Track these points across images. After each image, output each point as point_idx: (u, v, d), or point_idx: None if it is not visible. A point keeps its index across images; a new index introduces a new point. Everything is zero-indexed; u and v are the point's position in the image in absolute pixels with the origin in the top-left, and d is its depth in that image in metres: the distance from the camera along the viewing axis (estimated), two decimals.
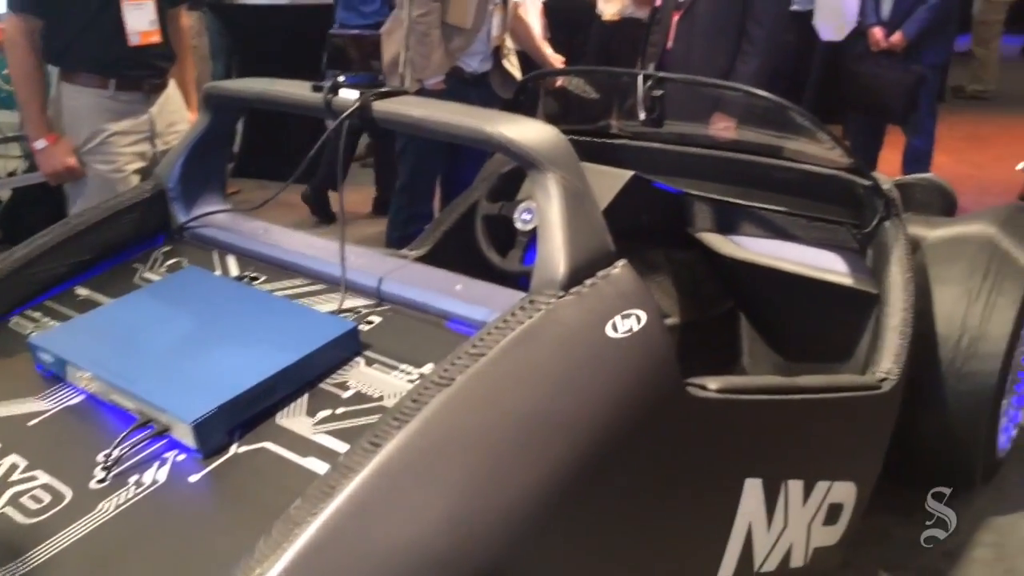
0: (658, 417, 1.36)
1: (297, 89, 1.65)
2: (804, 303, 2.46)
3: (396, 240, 3.48)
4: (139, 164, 2.77)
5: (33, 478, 1.23)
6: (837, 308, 2.33)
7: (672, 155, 2.59)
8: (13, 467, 1.25)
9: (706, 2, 3.31)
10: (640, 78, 2.46)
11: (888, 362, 1.96)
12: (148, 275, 1.67)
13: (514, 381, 1.22)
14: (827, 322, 2.39)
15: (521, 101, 2.64)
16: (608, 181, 2.25)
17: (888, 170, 4.74)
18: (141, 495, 1.17)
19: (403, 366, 1.34)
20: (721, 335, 2.79)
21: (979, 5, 8.15)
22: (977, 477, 2.41)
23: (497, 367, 1.21)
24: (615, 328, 1.32)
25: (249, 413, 1.25)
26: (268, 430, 1.25)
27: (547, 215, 1.35)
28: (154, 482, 1.19)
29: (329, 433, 1.23)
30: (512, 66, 3.58)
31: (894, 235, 2.19)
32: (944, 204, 2.74)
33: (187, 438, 1.22)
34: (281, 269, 1.63)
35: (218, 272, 1.65)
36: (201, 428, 1.20)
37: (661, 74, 2.48)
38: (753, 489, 1.60)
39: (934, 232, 2.44)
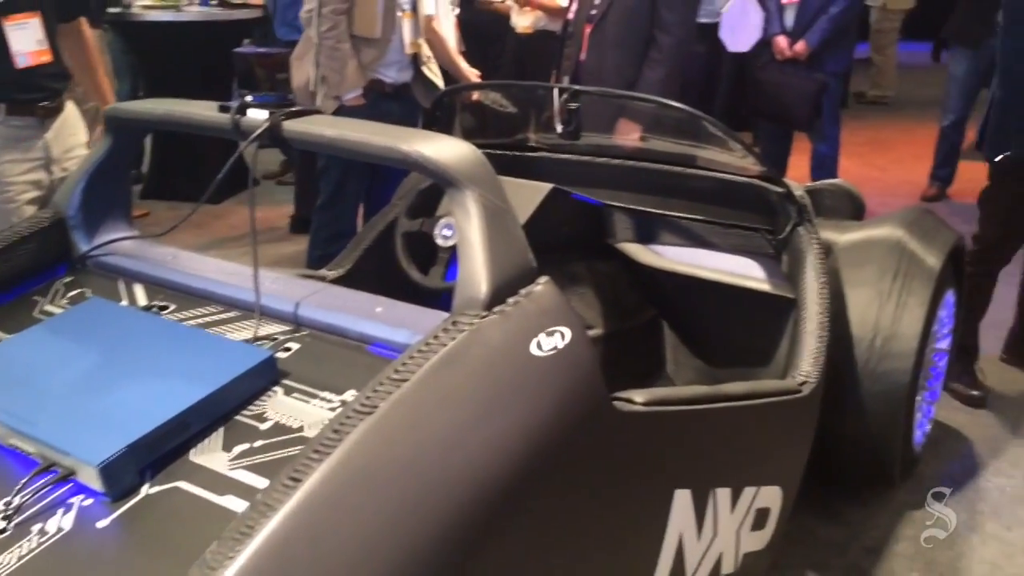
0: (586, 434, 1.34)
1: (203, 110, 1.59)
2: (724, 309, 2.50)
3: (317, 259, 3.41)
4: (34, 193, 2.62)
5: None
6: (756, 313, 2.36)
7: (590, 166, 2.60)
8: None
9: (616, 14, 3.35)
10: (556, 91, 2.46)
11: (807, 365, 1.99)
12: (49, 308, 1.59)
13: (439, 405, 1.19)
14: (747, 327, 2.43)
15: (438, 117, 2.61)
16: (528, 195, 2.24)
17: (797, 176, 4.88)
18: (46, 544, 1.10)
19: (323, 394, 1.30)
20: (645, 344, 2.81)
21: (875, 14, 8.48)
22: (896, 473, 2.47)
23: (421, 392, 1.18)
24: (540, 346, 1.30)
25: (160, 451, 1.19)
26: (181, 468, 1.18)
27: (467, 234, 1.33)
28: (59, 530, 1.11)
29: (247, 468, 1.17)
30: (433, 74, 3.56)
31: (807, 240, 2.24)
32: (853, 208, 2.82)
33: (93, 481, 1.15)
34: (192, 297, 1.56)
35: (124, 302, 1.57)
36: (108, 470, 1.13)
37: (575, 87, 2.49)
38: (682, 500, 1.60)
39: (845, 236, 2.50)
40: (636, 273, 2.69)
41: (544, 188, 2.27)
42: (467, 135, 2.99)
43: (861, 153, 6.62)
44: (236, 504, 1.11)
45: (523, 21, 4.93)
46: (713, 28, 5.15)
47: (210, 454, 1.20)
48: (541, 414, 1.27)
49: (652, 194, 2.53)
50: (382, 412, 1.14)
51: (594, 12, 3.41)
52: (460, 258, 1.34)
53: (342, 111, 3.32)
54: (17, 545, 1.10)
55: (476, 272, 1.31)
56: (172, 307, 1.54)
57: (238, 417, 1.26)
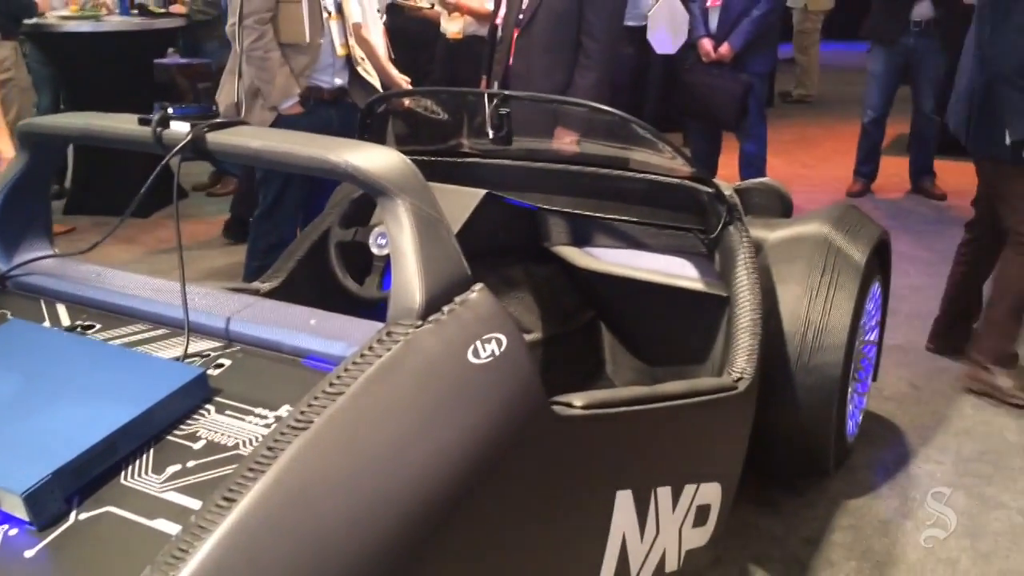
0: (526, 439, 1.34)
1: (123, 123, 1.54)
2: (660, 309, 2.53)
3: (255, 270, 3.36)
4: None
5: None
6: (691, 312, 2.40)
7: (524, 171, 2.61)
8: None
9: (543, 19, 3.38)
10: (486, 97, 2.46)
11: (742, 362, 2.03)
12: None
13: (376, 418, 1.18)
14: (683, 326, 2.46)
15: (369, 124, 2.59)
16: (462, 200, 2.24)
17: (726, 175, 4.97)
18: None
19: (258, 410, 1.27)
20: (584, 346, 2.83)
21: (797, 16, 8.70)
22: (831, 464, 2.53)
23: (357, 405, 1.17)
24: (477, 354, 1.30)
25: (88, 476, 1.15)
26: (111, 492, 1.15)
27: (399, 243, 1.32)
28: None
29: (180, 490, 1.14)
30: (369, 75, 3.53)
31: (738, 239, 2.28)
32: (781, 206, 2.88)
33: (18, 510, 1.10)
34: (118, 315, 1.52)
35: (46, 323, 1.52)
36: (33, 498, 1.09)
37: (506, 92, 2.50)
38: (624, 500, 1.61)
39: (774, 233, 2.56)
40: (573, 276, 2.70)
41: (478, 194, 2.27)
42: (400, 142, 2.98)
43: (788, 151, 6.78)
44: (169, 527, 1.08)
45: (452, 27, 4.92)
46: (641, 31, 5.22)
47: (141, 476, 1.17)
48: (480, 422, 1.27)
49: (586, 197, 2.55)
50: (317, 427, 1.12)
51: (521, 17, 3.42)
52: (393, 268, 1.32)
53: (280, 121, 3.28)
54: None
55: (410, 281, 1.30)
56: (97, 326, 1.50)
57: (169, 437, 1.23)
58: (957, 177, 5.79)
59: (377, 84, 3.56)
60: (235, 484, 1.05)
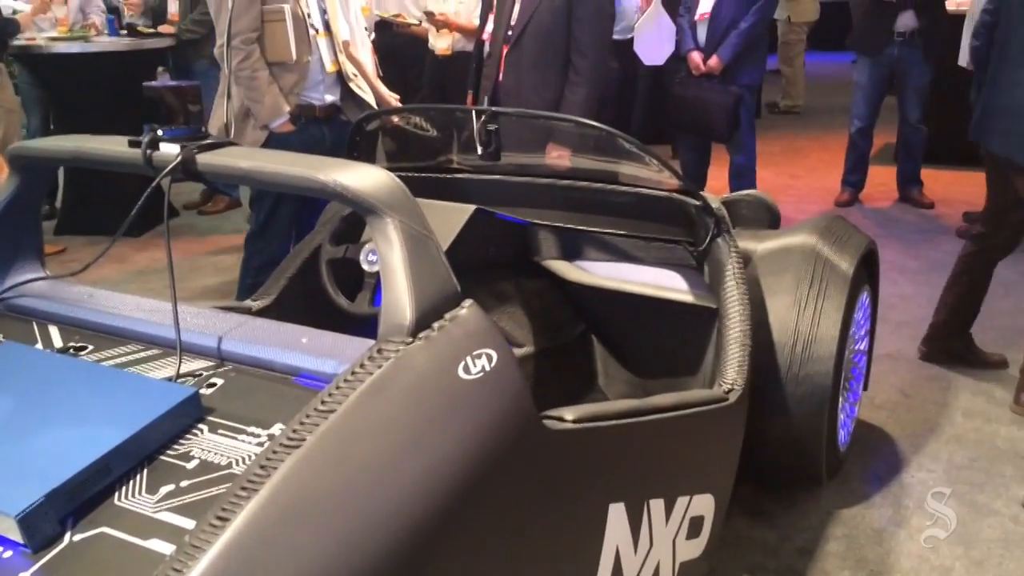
0: (518, 454, 1.35)
1: (113, 146, 1.55)
2: (650, 322, 2.54)
3: (248, 288, 3.36)
4: None
5: None
6: (681, 324, 2.41)
7: (514, 186, 2.63)
8: None
9: (532, 35, 3.40)
10: (474, 113, 2.48)
11: (732, 373, 2.04)
12: None
13: (369, 433, 1.19)
14: (673, 338, 2.47)
15: (358, 142, 2.61)
16: (452, 216, 2.25)
17: (717, 187, 5.01)
18: None
19: (250, 429, 1.28)
20: (576, 359, 2.84)
21: (782, 27, 8.78)
22: (823, 474, 2.54)
23: (349, 422, 1.17)
24: (467, 370, 1.31)
25: (82, 498, 1.16)
26: (105, 513, 1.15)
27: (389, 261, 1.33)
28: None
29: (173, 510, 1.15)
30: (362, 90, 3.55)
31: (726, 251, 2.29)
32: (769, 217, 2.90)
33: (13, 532, 1.11)
34: (110, 336, 1.53)
35: (39, 345, 1.53)
36: (28, 521, 1.09)
37: (494, 108, 2.51)
38: (617, 514, 1.62)
39: (762, 245, 2.57)
40: (564, 290, 2.72)
41: (468, 209, 2.28)
42: (390, 159, 2.99)
43: (777, 162, 6.83)
44: (163, 547, 1.08)
45: (441, 43, 4.95)
46: (627, 44, 5.26)
47: (135, 497, 1.17)
48: (472, 437, 1.28)
49: (575, 211, 2.57)
50: (310, 445, 1.13)
51: (510, 33, 3.45)
52: (383, 285, 1.33)
53: (272, 140, 3.29)
54: None
55: (400, 299, 1.31)
56: (90, 348, 1.50)
57: (163, 457, 1.24)
58: (944, 185, 5.85)
59: (371, 99, 3.57)
60: (228, 503, 1.05)
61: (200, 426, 1.29)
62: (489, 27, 3.61)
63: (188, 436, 1.27)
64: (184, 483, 1.19)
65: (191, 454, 1.24)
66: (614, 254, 2.64)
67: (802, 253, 2.51)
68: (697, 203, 2.34)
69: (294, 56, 3.27)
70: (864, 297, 2.74)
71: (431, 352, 1.29)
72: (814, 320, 2.40)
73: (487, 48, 3.62)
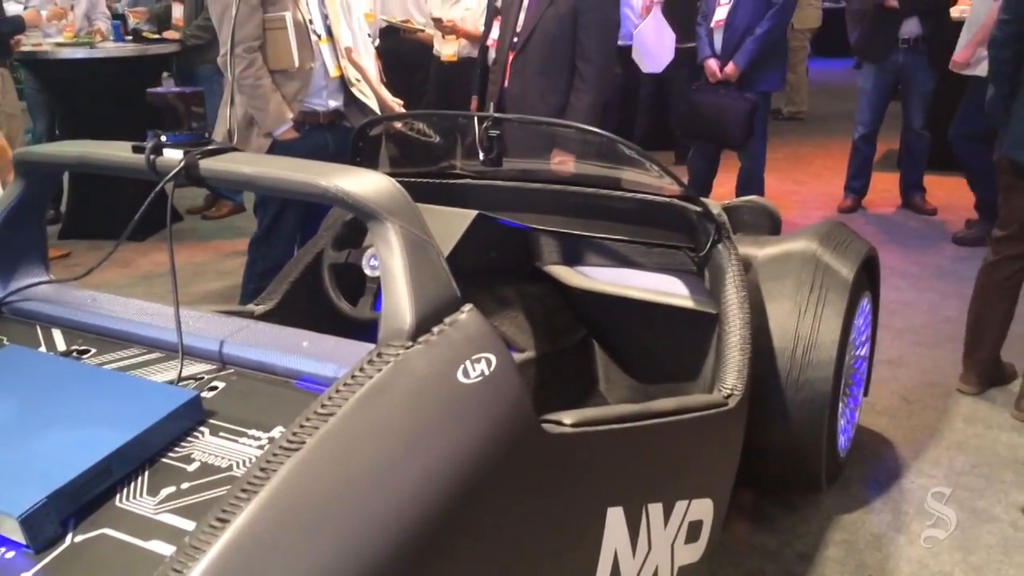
0: (517, 458, 1.36)
1: (118, 151, 1.57)
2: (651, 327, 2.55)
3: (252, 293, 3.38)
4: None
5: None
6: (681, 330, 2.42)
7: (516, 192, 2.64)
8: None
9: (538, 42, 3.42)
10: (476, 119, 2.50)
11: (732, 378, 2.05)
12: None
13: (368, 436, 1.20)
14: (674, 344, 2.48)
15: (361, 148, 2.62)
16: (454, 221, 2.26)
17: (724, 194, 5.02)
18: None
19: (251, 432, 1.29)
20: (577, 364, 2.85)
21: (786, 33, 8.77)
22: (823, 479, 2.55)
23: (349, 425, 1.18)
24: (467, 374, 1.32)
25: (84, 499, 1.17)
26: (107, 515, 1.16)
27: (389, 266, 1.34)
28: None
29: (174, 511, 1.16)
30: (365, 95, 3.56)
31: (727, 256, 2.30)
32: (771, 223, 2.91)
33: (15, 533, 1.12)
34: (112, 340, 1.54)
35: (42, 348, 1.54)
36: (30, 521, 1.11)
37: (495, 115, 2.53)
38: (616, 517, 1.62)
39: (763, 251, 2.58)
40: (565, 295, 2.73)
41: (470, 215, 2.30)
42: (392, 164, 3.01)
43: (780, 168, 6.83)
44: (164, 548, 1.10)
45: (447, 49, 4.97)
46: (627, 50, 5.27)
47: (136, 499, 1.19)
48: (471, 441, 1.29)
49: (577, 217, 2.58)
50: (310, 447, 1.14)
51: (516, 40, 3.47)
52: (384, 290, 1.35)
53: (276, 147, 3.31)
54: None
55: (400, 303, 1.32)
56: (92, 351, 1.51)
57: (164, 459, 1.25)
58: (947, 192, 5.85)
59: (374, 104, 3.59)
60: (228, 505, 1.07)
61: (201, 429, 1.30)
62: (494, 33, 3.63)
63: (189, 439, 1.29)
64: (185, 485, 1.20)
65: (192, 456, 1.25)
66: (615, 259, 2.65)
67: (802, 259, 2.52)
68: (698, 209, 2.35)
69: (296, 63, 3.28)
70: (865, 303, 2.75)
71: (431, 356, 1.31)
72: (814, 325, 2.41)
73: (491, 54, 3.64)
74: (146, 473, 1.23)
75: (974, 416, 3.17)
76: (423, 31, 5.22)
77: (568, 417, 1.49)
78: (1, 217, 1.67)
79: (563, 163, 3.00)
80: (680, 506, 1.84)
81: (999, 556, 2.42)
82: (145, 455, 1.24)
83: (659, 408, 1.77)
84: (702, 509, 1.94)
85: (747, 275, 2.37)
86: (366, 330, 1.76)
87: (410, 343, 1.30)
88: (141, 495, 1.19)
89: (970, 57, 4.91)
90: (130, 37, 5.66)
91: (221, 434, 1.29)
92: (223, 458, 1.24)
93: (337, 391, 1.23)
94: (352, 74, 3.52)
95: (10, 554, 1.12)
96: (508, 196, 2.63)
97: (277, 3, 3.21)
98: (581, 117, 3.30)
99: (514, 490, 1.37)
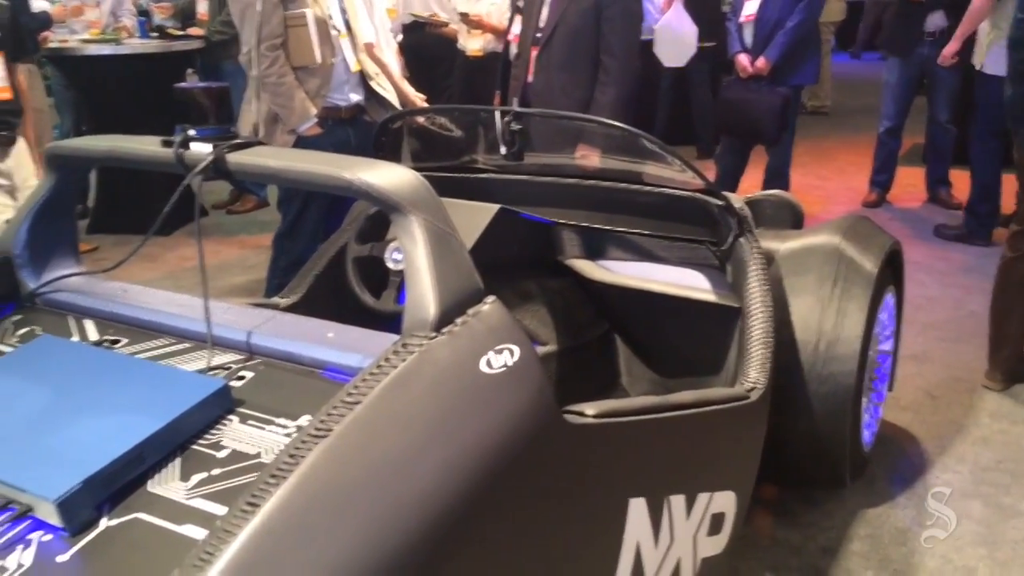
0: (539, 448, 1.37)
1: (146, 145, 1.60)
2: (673, 321, 2.55)
3: (276, 287, 3.41)
4: (9, 214, 2.67)
5: None
6: (703, 324, 2.42)
7: (538, 186, 2.65)
8: None
9: (561, 37, 3.42)
10: (498, 113, 2.51)
11: (755, 372, 2.05)
12: None
13: (393, 426, 1.21)
14: (696, 338, 2.48)
15: (384, 142, 2.64)
16: (476, 215, 2.27)
17: (748, 188, 4.99)
18: None
19: (279, 420, 1.31)
20: (598, 358, 2.85)
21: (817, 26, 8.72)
22: (846, 474, 2.54)
23: (374, 413, 1.20)
24: (489, 364, 1.33)
25: (118, 484, 1.19)
26: (140, 500, 1.19)
27: (413, 258, 1.36)
28: (19, 566, 1.11)
29: (205, 496, 1.18)
30: (384, 89, 3.59)
31: (749, 250, 2.30)
32: (793, 217, 2.90)
33: (52, 517, 1.15)
34: (143, 330, 1.57)
35: (75, 338, 1.57)
36: (66, 505, 1.14)
37: (517, 109, 2.54)
38: (638, 508, 1.63)
39: (785, 245, 2.58)
40: (587, 289, 2.74)
41: (492, 209, 2.31)
42: (415, 159, 3.03)
43: (804, 163, 6.79)
44: (196, 532, 1.12)
45: (473, 44, 4.98)
46: (647, 45, 5.25)
47: (168, 484, 1.21)
48: (494, 430, 1.30)
49: (599, 211, 2.59)
50: (336, 435, 1.16)
51: (539, 35, 3.47)
52: (407, 282, 1.36)
53: (299, 143, 3.34)
54: None
55: (423, 295, 1.34)
56: (124, 341, 1.54)
57: (195, 446, 1.27)
58: None
59: (393, 98, 3.61)
60: (258, 490, 1.09)
61: (230, 417, 1.33)
62: (515, 28, 3.63)
63: (219, 426, 1.31)
64: (215, 471, 1.22)
65: (222, 444, 1.28)
66: (637, 254, 2.65)
67: (825, 253, 2.51)
68: (720, 203, 2.35)
69: (318, 59, 3.31)
70: (889, 297, 2.74)
71: (454, 347, 1.32)
72: (837, 319, 2.40)
73: (514, 49, 3.65)
74: (177, 459, 1.25)
75: (999, 412, 3.15)
76: (449, 25, 5.23)
77: (590, 408, 1.50)
78: (33, 210, 1.70)
79: (586, 158, 3.01)
80: (702, 498, 1.84)
81: None
82: (176, 442, 1.27)
83: (681, 400, 1.77)
84: (725, 502, 1.94)
85: (769, 269, 2.37)
86: (389, 323, 1.78)
87: (434, 334, 1.32)
88: (173, 481, 1.22)
89: (956, 51, 4.89)
90: (155, 33, 5.71)
91: (250, 422, 1.32)
92: (252, 445, 1.27)
93: (363, 380, 1.25)
94: (371, 68, 3.55)
95: (47, 537, 1.15)
96: (530, 190, 2.64)
97: (297, 0, 3.24)
98: (605, 111, 3.30)
99: (536, 480, 1.38)
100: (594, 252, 2.70)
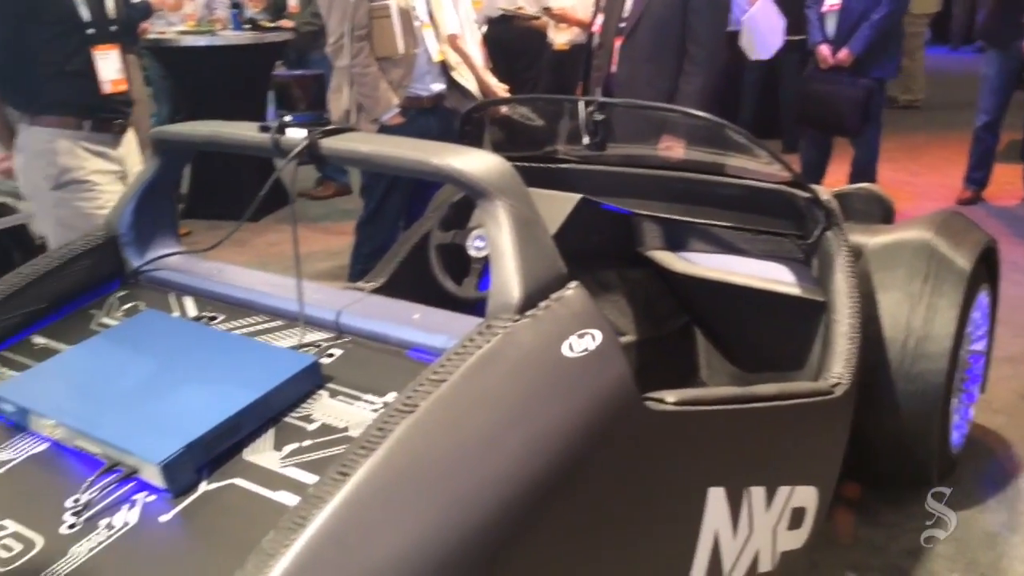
0: (618, 431, 1.38)
1: (245, 130, 1.66)
2: (756, 314, 2.53)
3: (359, 273, 3.49)
4: None
5: (2, 528, 1.22)
6: (787, 318, 2.39)
7: (620, 176, 2.65)
8: None
9: (647, 27, 3.40)
10: (581, 103, 2.51)
11: (839, 367, 2.02)
12: (105, 320, 1.67)
13: (476, 404, 1.24)
14: (779, 332, 2.45)
15: (467, 131, 2.68)
16: (558, 205, 2.29)
17: (834, 182, 4.88)
18: (113, 537, 1.17)
19: (366, 396, 1.36)
20: (678, 350, 2.84)
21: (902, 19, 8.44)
22: (933, 475, 2.47)
23: (459, 391, 1.23)
24: (571, 348, 1.35)
25: (216, 451, 1.26)
26: (236, 466, 1.25)
27: (498, 242, 1.38)
28: (125, 524, 1.18)
29: (297, 466, 1.24)
30: (464, 79, 3.63)
31: (836, 244, 2.26)
32: (883, 212, 2.83)
33: (156, 479, 1.22)
34: (238, 308, 1.64)
35: (176, 314, 1.65)
36: (169, 468, 1.20)
37: (600, 99, 2.53)
38: (717, 498, 1.63)
39: (874, 239, 2.52)
40: (668, 281, 2.72)
41: (573, 198, 2.32)
42: (497, 149, 3.06)
43: (895, 158, 6.59)
44: (288, 499, 1.17)
45: (560, 37, 5.02)
46: (733, 36, 5.17)
47: (262, 453, 1.27)
48: (574, 413, 1.32)
49: (681, 202, 2.57)
50: (422, 411, 1.19)
51: (623, 25, 3.46)
52: (492, 266, 1.39)
53: (382, 133, 3.40)
54: (87, 538, 1.17)
55: (508, 278, 1.36)
56: (221, 317, 1.61)
57: (287, 419, 1.33)
58: None
59: (473, 87, 3.65)
60: (348, 460, 1.13)
61: (320, 392, 1.38)
62: (600, 19, 3.63)
63: (309, 401, 1.36)
64: (306, 443, 1.28)
65: (312, 417, 1.33)
66: (719, 246, 2.63)
67: (916, 248, 2.45)
68: (807, 195, 2.31)
69: (401, 50, 3.37)
70: (983, 296, 2.65)
71: (537, 330, 1.34)
72: (927, 317, 2.34)
73: (596, 40, 3.64)
74: (271, 430, 1.31)
75: None
76: (538, 18, 5.26)
77: (671, 395, 1.51)
78: (138, 192, 1.79)
79: (670, 149, 2.99)
80: (783, 491, 1.83)
81: None
82: (269, 413, 1.33)
83: (762, 392, 1.76)
84: (806, 496, 1.92)
85: (857, 263, 2.32)
86: (470, 310, 1.81)
87: (518, 316, 1.34)
88: (267, 450, 1.27)
89: None
90: (248, 25, 5.88)
91: (338, 397, 1.36)
92: (340, 419, 1.31)
93: (448, 359, 1.28)
94: (453, 59, 3.59)
95: (151, 498, 1.22)
96: (612, 181, 2.64)
97: None
98: (691, 101, 3.26)
99: (615, 463, 1.39)
100: (675, 244, 2.69)
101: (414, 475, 1.14)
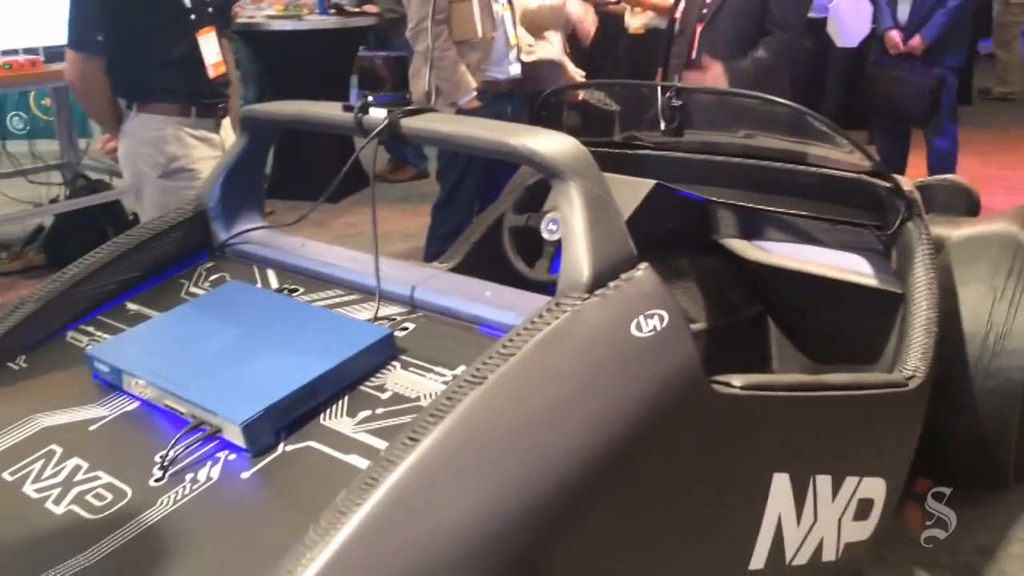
0: (684, 413, 1.40)
1: (329, 110, 1.72)
2: (831, 305, 2.49)
3: (434, 255, 3.55)
4: None
5: (96, 478, 1.30)
6: (863, 309, 2.35)
7: (695, 163, 2.64)
8: (77, 468, 1.33)
9: (728, 14, 3.38)
10: (659, 89, 2.51)
11: (915, 360, 1.98)
12: (194, 289, 1.75)
13: (544, 378, 1.28)
14: (854, 323, 2.41)
15: (543, 115, 2.70)
16: (632, 191, 2.30)
17: (915, 175, 4.75)
18: (197, 491, 1.24)
19: (437, 368, 1.40)
20: (749, 339, 2.82)
21: (998, 7, 8.13)
22: (1010, 475, 2.41)
23: (527, 365, 1.27)
24: (639, 328, 1.37)
25: (294, 414, 1.32)
26: (313, 430, 1.31)
27: (570, 222, 1.41)
28: (208, 479, 1.26)
29: (370, 432, 1.29)
30: (543, 51, 3.65)
31: (917, 236, 2.22)
32: (967, 204, 2.76)
33: (237, 438, 1.29)
34: (318, 281, 1.70)
35: (259, 285, 1.73)
36: (250, 429, 1.27)
37: (678, 84, 2.53)
38: (781, 484, 1.63)
39: (957, 232, 2.46)
40: (741, 269, 2.70)
41: (648, 184, 2.32)
42: (572, 133, 3.07)
43: (985, 151, 6.37)
44: (360, 462, 1.23)
45: (635, 22, 5.00)
46: (821, 23, 5.06)
47: (337, 419, 1.33)
48: (641, 392, 1.34)
49: (757, 190, 2.55)
50: (491, 383, 1.23)
51: (704, 11, 3.44)
52: (564, 245, 1.42)
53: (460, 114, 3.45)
54: (173, 491, 1.25)
55: (579, 257, 1.39)
56: (301, 290, 1.68)
57: (361, 387, 1.39)
58: None
59: (554, 54, 3.65)
60: (418, 427, 1.18)
61: (393, 363, 1.43)
62: (682, 5, 3.61)
63: (383, 371, 1.42)
64: (379, 411, 1.33)
65: (385, 386, 1.38)
66: (795, 235, 2.60)
67: (1001, 242, 2.38)
68: (888, 185, 2.27)
69: (480, 33, 3.39)
70: None
71: (606, 309, 1.37)
72: (1010, 312, 2.28)
73: (678, 26, 3.63)
74: (346, 398, 1.37)
75: None
76: (617, 3, 5.25)
77: (738, 379, 1.51)
78: (227, 168, 1.87)
79: (709, 68, 2.95)
80: (850, 482, 1.81)
81: None
82: (345, 382, 1.38)
83: (832, 381, 1.75)
84: (874, 488, 1.90)
85: (938, 256, 2.27)
86: (541, 292, 1.84)
87: (587, 295, 1.37)
88: (341, 416, 1.33)
89: None
90: (333, 10, 6.00)
91: (411, 369, 1.41)
92: (412, 390, 1.36)
93: (517, 335, 1.31)
94: (527, 41, 3.60)
95: (232, 456, 1.29)
96: (687, 167, 2.63)
97: None
98: (747, 75, 3.27)
99: (680, 444, 1.41)
100: (750, 232, 2.67)
101: (480, 444, 1.18)
